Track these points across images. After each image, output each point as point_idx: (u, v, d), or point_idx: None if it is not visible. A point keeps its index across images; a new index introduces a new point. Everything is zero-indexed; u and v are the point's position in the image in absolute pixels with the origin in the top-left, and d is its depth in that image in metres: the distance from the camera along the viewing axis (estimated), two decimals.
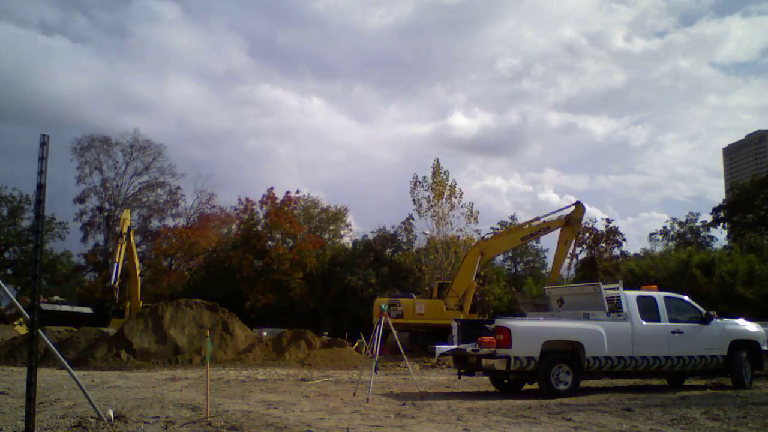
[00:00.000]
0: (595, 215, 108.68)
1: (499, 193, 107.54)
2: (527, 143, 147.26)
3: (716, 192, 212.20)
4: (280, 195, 44.95)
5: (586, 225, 45.54)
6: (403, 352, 13.00)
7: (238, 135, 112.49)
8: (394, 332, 12.66)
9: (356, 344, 23.30)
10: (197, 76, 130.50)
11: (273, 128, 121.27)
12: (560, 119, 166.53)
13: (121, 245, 30.99)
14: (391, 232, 46.17)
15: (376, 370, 11.44)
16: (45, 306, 28.23)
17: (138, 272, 33.55)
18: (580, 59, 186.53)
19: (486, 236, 29.29)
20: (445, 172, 35.02)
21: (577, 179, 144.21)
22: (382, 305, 12.08)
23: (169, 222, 53.64)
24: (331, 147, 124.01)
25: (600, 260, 42.14)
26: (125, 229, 31.72)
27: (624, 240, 45.34)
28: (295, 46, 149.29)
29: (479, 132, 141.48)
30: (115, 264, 30.33)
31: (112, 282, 30.26)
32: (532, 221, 27.68)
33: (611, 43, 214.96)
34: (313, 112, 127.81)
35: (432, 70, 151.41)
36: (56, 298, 36.20)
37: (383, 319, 11.57)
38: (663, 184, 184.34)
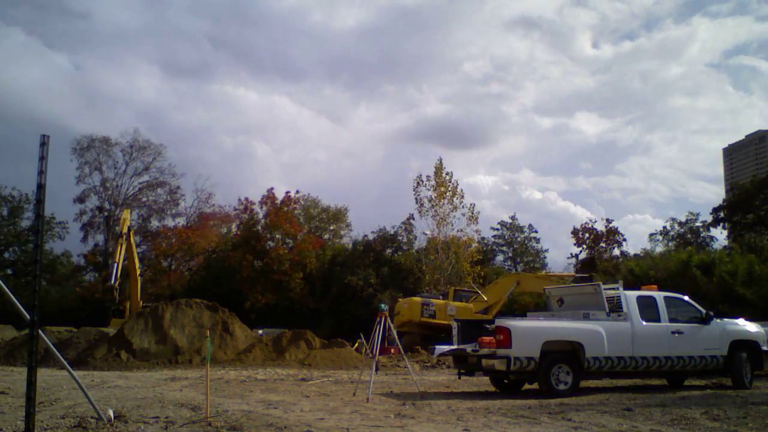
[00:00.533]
0: (581, 215, 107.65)
1: (479, 192, 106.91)
2: (504, 143, 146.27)
3: (697, 194, 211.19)
4: (272, 194, 44.96)
5: (586, 225, 45.71)
6: (402, 352, 13.01)
7: (208, 134, 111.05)
8: (395, 332, 12.65)
9: (356, 344, 23.29)
10: (159, 67, 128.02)
11: (244, 127, 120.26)
12: (534, 120, 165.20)
13: (121, 245, 30.95)
14: (392, 232, 46.29)
15: (376, 370, 11.45)
16: None
17: (138, 272, 33.49)
18: (547, 63, 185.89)
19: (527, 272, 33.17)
20: (448, 173, 35.03)
21: (558, 180, 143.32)
22: (382, 305, 12.05)
23: (169, 222, 53.70)
24: (307, 146, 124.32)
25: (600, 260, 42.17)
26: (125, 229, 31.66)
27: (624, 240, 45.41)
28: (256, 43, 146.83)
29: (452, 132, 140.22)
30: (115, 264, 30.28)
31: (112, 282, 30.21)
32: (560, 276, 31.13)
33: (579, 46, 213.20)
34: (284, 111, 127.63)
35: (399, 72, 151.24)
36: None
37: (383, 319, 11.56)
38: (644, 187, 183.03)
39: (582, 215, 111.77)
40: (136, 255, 33.83)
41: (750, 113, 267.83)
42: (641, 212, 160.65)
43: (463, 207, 34.78)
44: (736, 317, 14.11)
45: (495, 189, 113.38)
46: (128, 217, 33.62)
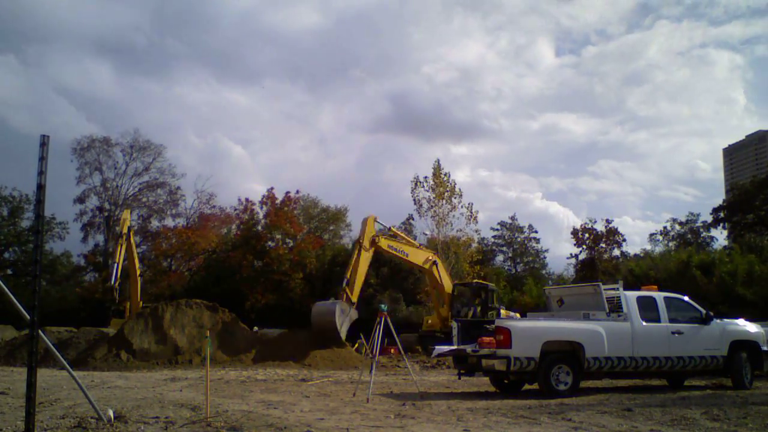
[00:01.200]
0: (562, 216, 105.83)
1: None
2: (475, 142, 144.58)
3: (676, 197, 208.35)
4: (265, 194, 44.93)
5: (585, 225, 45.61)
6: (403, 353, 12.99)
7: (172, 135, 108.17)
8: (394, 333, 12.64)
9: (356, 344, 23.28)
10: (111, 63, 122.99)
11: (209, 128, 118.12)
12: (504, 123, 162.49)
13: (121, 245, 30.85)
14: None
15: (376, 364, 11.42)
16: None
17: (138, 273, 33.40)
18: (508, 70, 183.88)
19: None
20: (446, 173, 35.00)
21: (531, 181, 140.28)
22: (382, 305, 12.04)
23: (169, 222, 53.61)
24: (277, 146, 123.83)
25: (600, 260, 42.16)
26: (125, 230, 31.52)
27: (624, 240, 45.37)
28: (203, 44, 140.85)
29: (420, 129, 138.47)
30: (115, 264, 30.18)
31: (112, 282, 30.12)
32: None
33: (541, 53, 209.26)
34: (248, 112, 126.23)
35: (358, 73, 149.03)
36: None
37: (383, 319, 11.56)
38: (620, 190, 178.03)
39: (563, 216, 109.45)
40: (135, 255, 33.63)
41: (721, 118, 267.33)
42: (619, 215, 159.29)
43: (461, 207, 34.78)
44: (736, 317, 14.12)
45: (470, 188, 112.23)
46: (128, 218, 33.34)
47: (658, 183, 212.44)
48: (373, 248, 23.92)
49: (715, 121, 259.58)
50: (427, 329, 25.92)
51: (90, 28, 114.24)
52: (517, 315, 26.66)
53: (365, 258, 23.46)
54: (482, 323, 13.43)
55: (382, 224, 25.77)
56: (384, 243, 24.64)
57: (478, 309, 25.38)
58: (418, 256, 26.12)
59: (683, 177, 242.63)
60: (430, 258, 26.20)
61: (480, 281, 28.37)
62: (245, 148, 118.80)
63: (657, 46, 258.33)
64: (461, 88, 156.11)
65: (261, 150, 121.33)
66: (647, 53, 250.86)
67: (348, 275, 22.77)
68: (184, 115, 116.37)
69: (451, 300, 26.22)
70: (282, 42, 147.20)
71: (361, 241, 23.57)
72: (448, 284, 26.43)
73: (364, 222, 24.30)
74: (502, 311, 25.23)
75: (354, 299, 22.50)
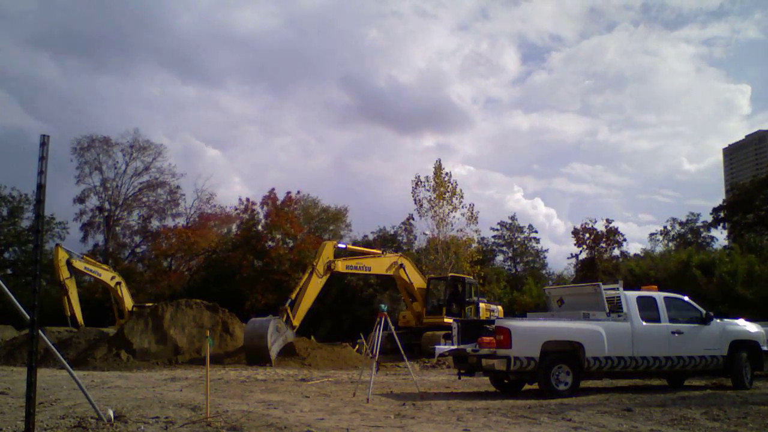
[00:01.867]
0: (543, 219, 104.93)
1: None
2: (452, 139, 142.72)
3: (658, 200, 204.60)
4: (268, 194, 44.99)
5: (585, 225, 45.57)
6: (403, 352, 12.99)
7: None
8: (394, 332, 12.64)
9: (356, 345, 23.28)
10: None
11: (179, 130, 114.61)
12: (478, 123, 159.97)
13: (66, 297, 28.84)
14: (391, 232, 46.40)
15: (377, 369, 11.42)
16: None
17: (113, 283, 31.33)
18: (477, 73, 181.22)
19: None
20: (447, 173, 35.03)
21: (505, 180, 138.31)
22: (382, 305, 12.03)
23: (169, 222, 53.68)
24: (252, 149, 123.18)
25: (600, 260, 42.14)
26: (63, 275, 28.53)
27: (624, 240, 45.38)
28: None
29: (390, 125, 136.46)
30: (69, 316, 29.38)
31: (79, 325, 29.29)
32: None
33: (505, 61, 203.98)
34: (219, 115, 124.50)
35: (321, 74, 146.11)
36: None
37: (383, 319, 11.56)
38: (596, 192, 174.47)
39: (545, 217, 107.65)
40: (77, 302, 30.63)
41: (690, 120, 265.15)
42: (599, 217, 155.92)
43: (462, 207, 34.81)
44: (737, 317, 14.13)
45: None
46: (62, 257, 28.90)
47: (637, 185, 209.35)
48: (328, 275, 22.53)
49: (684, 124, 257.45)
50: (403, 325, 25.75)
51: (42, 21, 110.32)
52: (499, 308, 26.80)
53: (316, 284, 22.11)
54: (480, 323, 13.41)
55: (341, 245, 24.32)
56: (342, 266, 23.18)
57: (454, 303, 25.11)
58: (382, 266, 25.24)
59: (663, 179, 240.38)
60: (396, 262, 25.41)
61: (455, 274, 27.95)
62: (217, 149, 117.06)
63: (614, 49, 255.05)
64: (429, 87, 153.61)
65: (237, 153, 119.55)
66: (607, 57, 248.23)
67: (294, 296, 21.57)
68: (150, 115, 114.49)
69: (426, 295, 25.88)
70: (242, 43, 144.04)
71: (314, 264, 22.26)
72: (418, 281, 25.95)
73: (322, 246, 23.32)
74: (482, 305, 25.06)
75: (296, 323, 21.28)
